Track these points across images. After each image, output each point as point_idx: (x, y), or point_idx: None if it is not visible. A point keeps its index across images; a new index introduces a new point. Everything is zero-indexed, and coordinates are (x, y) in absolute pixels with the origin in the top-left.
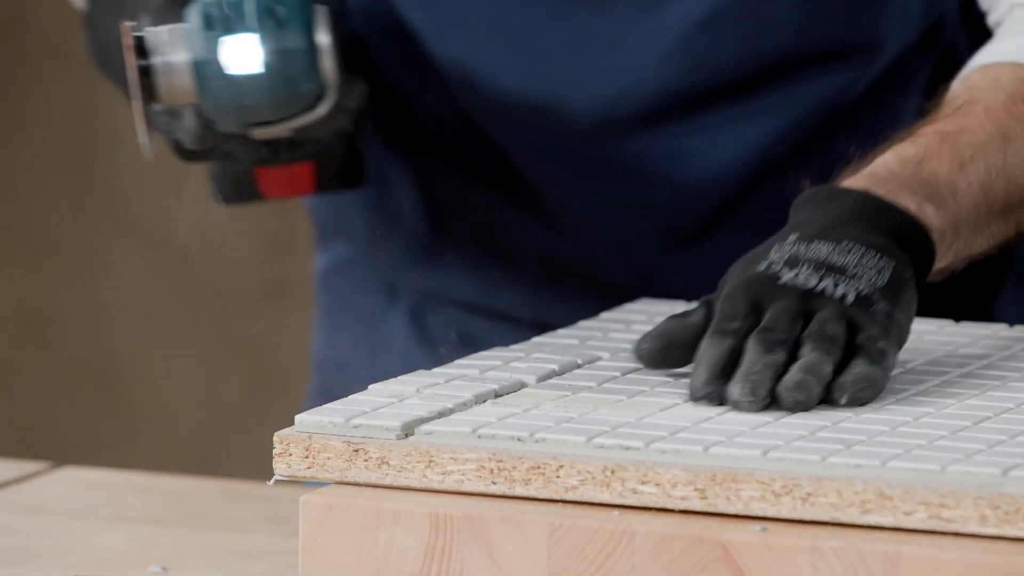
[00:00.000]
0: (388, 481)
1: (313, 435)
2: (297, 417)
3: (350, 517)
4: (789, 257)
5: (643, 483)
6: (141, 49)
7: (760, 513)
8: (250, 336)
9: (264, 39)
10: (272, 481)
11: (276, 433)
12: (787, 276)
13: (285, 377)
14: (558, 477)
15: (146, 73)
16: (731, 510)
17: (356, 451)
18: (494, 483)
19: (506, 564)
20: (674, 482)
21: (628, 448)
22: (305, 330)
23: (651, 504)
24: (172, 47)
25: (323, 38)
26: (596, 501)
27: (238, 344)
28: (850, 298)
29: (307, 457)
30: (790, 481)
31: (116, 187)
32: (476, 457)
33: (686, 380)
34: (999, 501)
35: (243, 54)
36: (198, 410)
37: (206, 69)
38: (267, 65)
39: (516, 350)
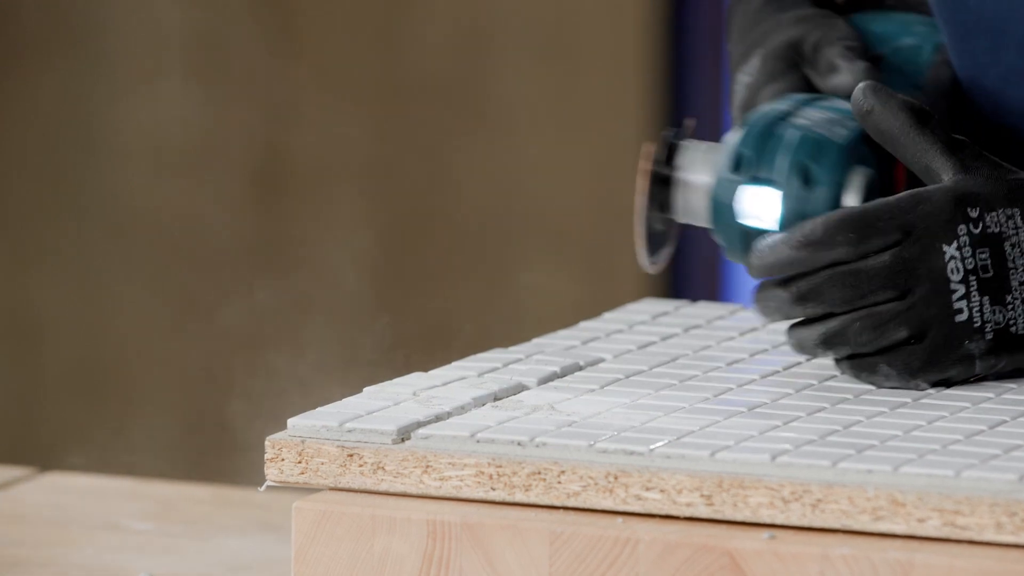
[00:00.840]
0: (384, 487)
1: (306, 439)
2: (290, 421)
3: (344, 524)
4: None
5: (647, 489)
6: (669, 155)
7: (768, 520)
8: (240, 341)
9: (786, 198)
10: (264, 487)
11: (268, 437)
12: None
13: (273, 381)
14: (559, 483)
15: (664, 182)
16: (738, 517)
17: (351, 456)
18: (493, 489)
19: (506, 573)
20: (679, 488)
21: (632, 453)
22: (293, 335)
23: (655, 511)
24: (698, 166)
25: (850, 201)
26: (599, 508)
27: (228, 349)
28: None
29: (300, 462)
30: (799, 487)
31: (105, 187)
32: (475, 462)
33: (691, 383)
34: (1016, 508)
35: (760, 206)
36: (188, 414)
37: (720, 207)
38: (782, 223)
39: (515, 351)
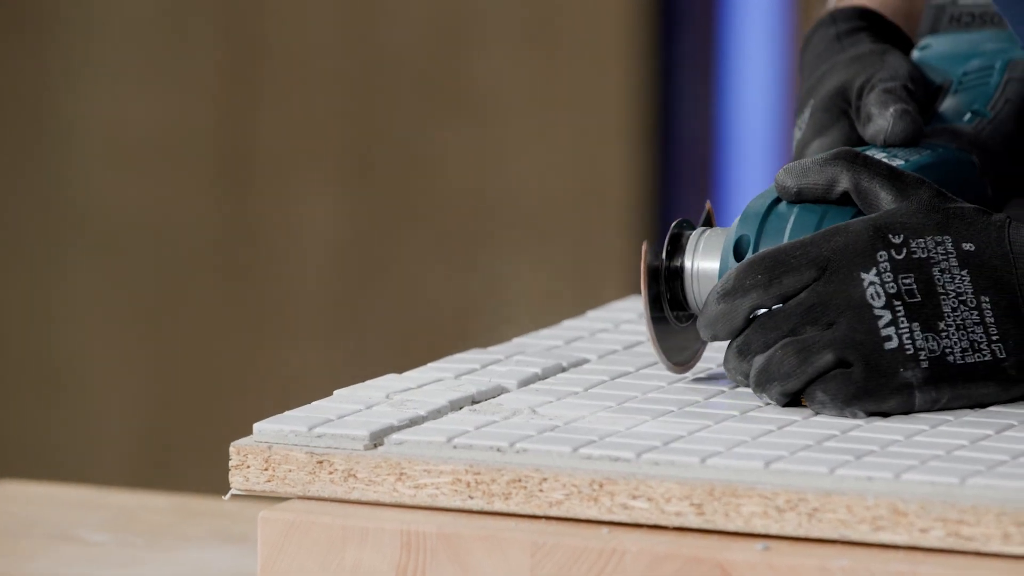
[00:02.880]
0: (355, 496)
1: (273, 445)
2: (256, 426)
3: (314, 535)
4: None
5: (634, 498)
6: (675, 246)
7: (762, 530)
8: (205, 340)
9: None
10: (228, 496)
11: (233, 443)
12: None
13: (242, 384)
14: (541, 491)
15: (672, 276)
16: (730, 527)
17: (320, 463)
18: (471, 497)
19: None
20: (668, 496)
21: (617, 459)
22: (261, 334)
23: (643, 520)
24: (701, 253)
25: None
26: (583, 517)
27: (192, 349)
28: None
29: (267, 469)
30: (795, 495)
31: (61, 180)
32: (451, 469)
33: (679, 386)
34: None
35: None
36: (149, 420)
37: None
38: None
39: (495, 352)
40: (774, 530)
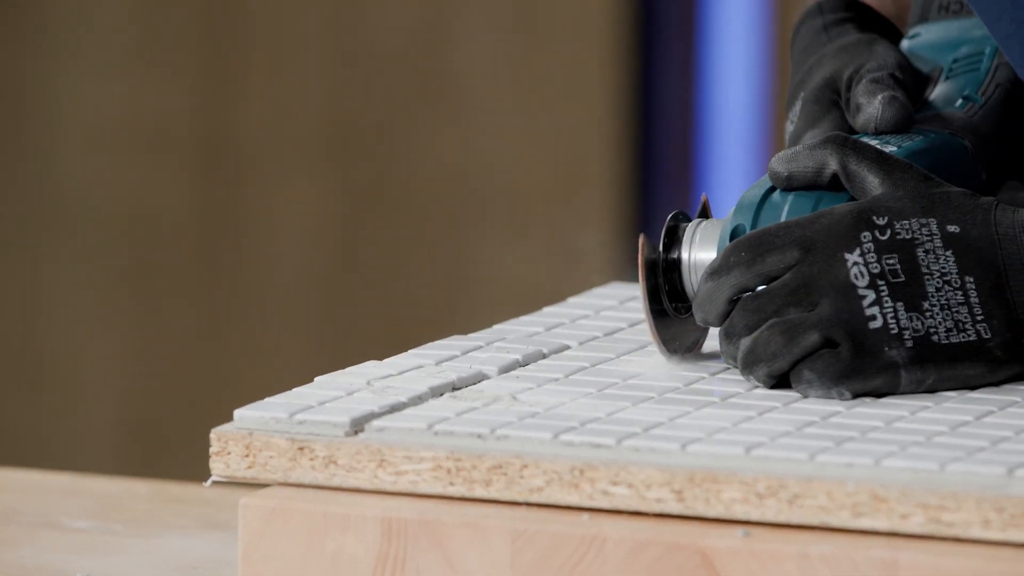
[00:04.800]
0: (336, 482)
1: (254, 432)
2: (236, 412)
3: (295, 522)
4: None
5: (615, 484)
6: (672, 239)
7: (743, 517)
8: (187, 328)
9: None
10: (209, 482)
11: (213, 430)
12: None
13: (223, 372)
14: (522, 478)
15: (670, 267)
16: (711, 513)
17: (301, 449)
18: (452, 484)
19: (466, 573)
20: (648, 483)
21: (598, 446)
22: (243, 322)
23: (623, 507)
24: (698, 244)
25: None
26: (563, 504)
27: (174, 337)
28: None
29: (247, 456)
30: (775, 482)
31: (41, 168)
32: (432, 456)
33: (660, 372)
34: (1004, 503)
35: None
36: (131, 408)
37: None
38: None
39: (475, 338)
40: (754, 516)
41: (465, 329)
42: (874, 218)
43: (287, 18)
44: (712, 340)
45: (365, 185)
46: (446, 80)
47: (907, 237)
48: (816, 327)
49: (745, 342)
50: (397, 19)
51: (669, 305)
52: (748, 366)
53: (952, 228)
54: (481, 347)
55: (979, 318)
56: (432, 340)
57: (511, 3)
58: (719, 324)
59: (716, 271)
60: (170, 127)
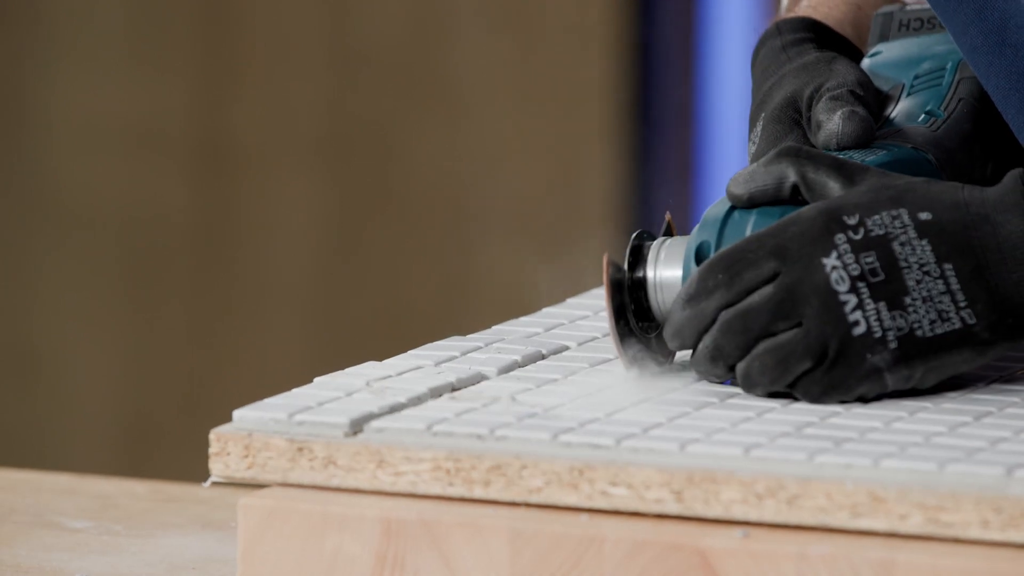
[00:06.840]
0: (335, 483)
1: (253, 432)
2: (236, 413)
3: (293, 522)
4: None
5: (613, 484)
6: (636, 258)
7: (741, 517)
8: (184, 327)
9: None
10: (208, 483)
11: (213, 430)
12: None
13: (221, 371)
14: (521, 478)
15: (635, 286)
16: (710, 514)
17: (300, 450)
18: (451, 485)
19: (464, 573)
20: (647, 483)
21: (597, 446)
22: (240, 322)
23: (622, 507)
24: (663, 263)
25: None
26: (562, 504)
27: (171, 336)
28: None
29: (247, 457)
30: (774, 482)
31: (36, 166)
32: (431, 456)
33: (659, 372)
34: (1002, 504)
35: None
36: (129, 407)
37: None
38: None
39: (474, 339)
40: (753, 517)
41: (464, 330)
42: (844, 218)
43: (283, 18)
44: (683, 354)
45: (362, 186)
46: (445, 80)
47: (881, 232)
48: (807, 354)
49: (740, 367)
50: (394, 18)
51: (636, 324)
52: (747, 386)
53: (924, 215)
54: (480, 348)
55: (962, 305)
56: (431, 341)
57: (510, 4)
58: (696, 347)
59: (694, 296)
60: (166, 127)
